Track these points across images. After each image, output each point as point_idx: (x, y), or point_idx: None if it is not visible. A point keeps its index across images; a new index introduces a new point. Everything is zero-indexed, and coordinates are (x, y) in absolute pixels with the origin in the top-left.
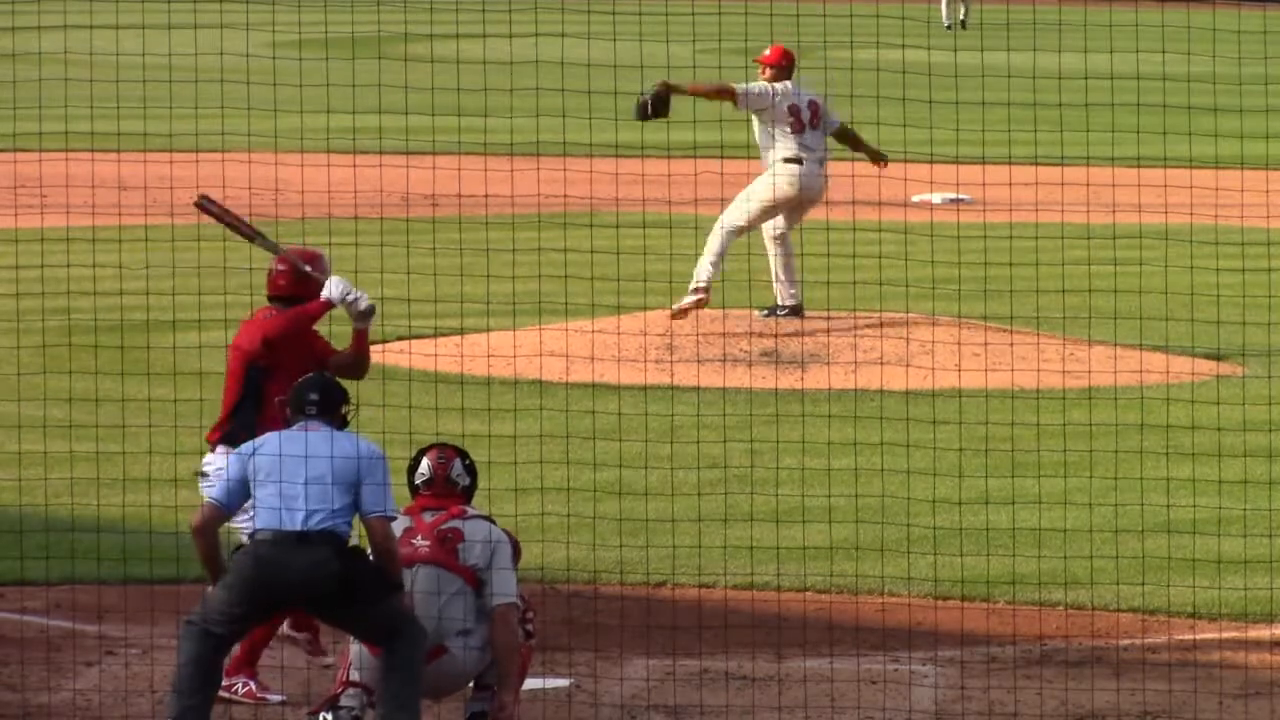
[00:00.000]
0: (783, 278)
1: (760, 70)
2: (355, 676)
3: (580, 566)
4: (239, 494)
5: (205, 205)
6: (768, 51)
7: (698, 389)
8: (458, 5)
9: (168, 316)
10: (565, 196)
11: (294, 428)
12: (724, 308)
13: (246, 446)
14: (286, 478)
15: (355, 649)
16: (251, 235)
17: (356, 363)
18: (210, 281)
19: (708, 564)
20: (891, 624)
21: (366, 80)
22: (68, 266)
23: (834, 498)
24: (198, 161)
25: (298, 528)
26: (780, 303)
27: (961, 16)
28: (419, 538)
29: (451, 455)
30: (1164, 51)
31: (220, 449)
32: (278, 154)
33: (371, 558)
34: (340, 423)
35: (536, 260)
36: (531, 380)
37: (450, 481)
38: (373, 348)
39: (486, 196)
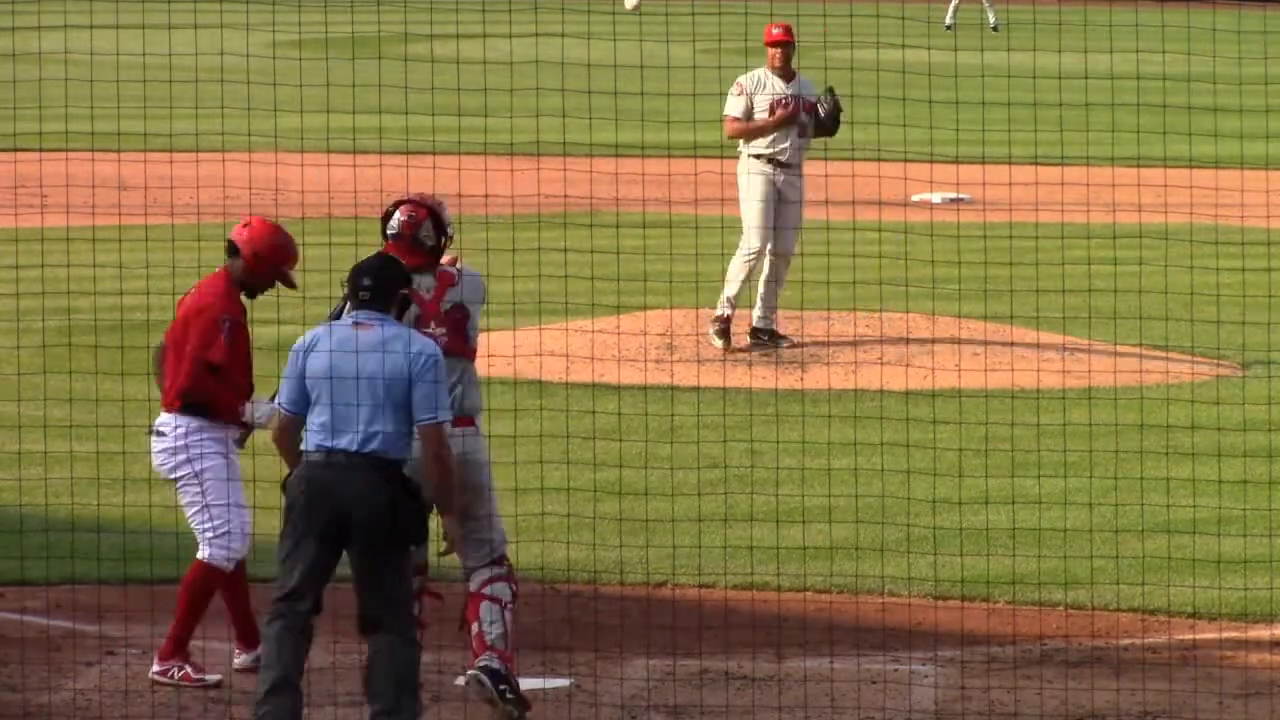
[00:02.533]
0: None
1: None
2: (490, 633)
3: (580, 566)
4: (304, 398)
5: None
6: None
7: (698, 389)
8: (458, 5)
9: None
10: (565, 196)
11: (345, 322)
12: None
13: (300, 350)
14: (336, 398)
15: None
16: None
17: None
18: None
19: (708, 564)
20: (891, 624)
21: (366, 80)
22: (68, 266)
23: (834, 498)
24: (198, 161)
25: (349, 448)
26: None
27: (992, 21)
28: (433, 325)
29: (422, 215)
30: (1164, 51)
31: (180, 415)
32: (278, 154)
33: (427, 475)
34: (399, 309)
35: (536, 260)
36: (531, 380)
37: (416, 240)
38: None
39: (486, 196)
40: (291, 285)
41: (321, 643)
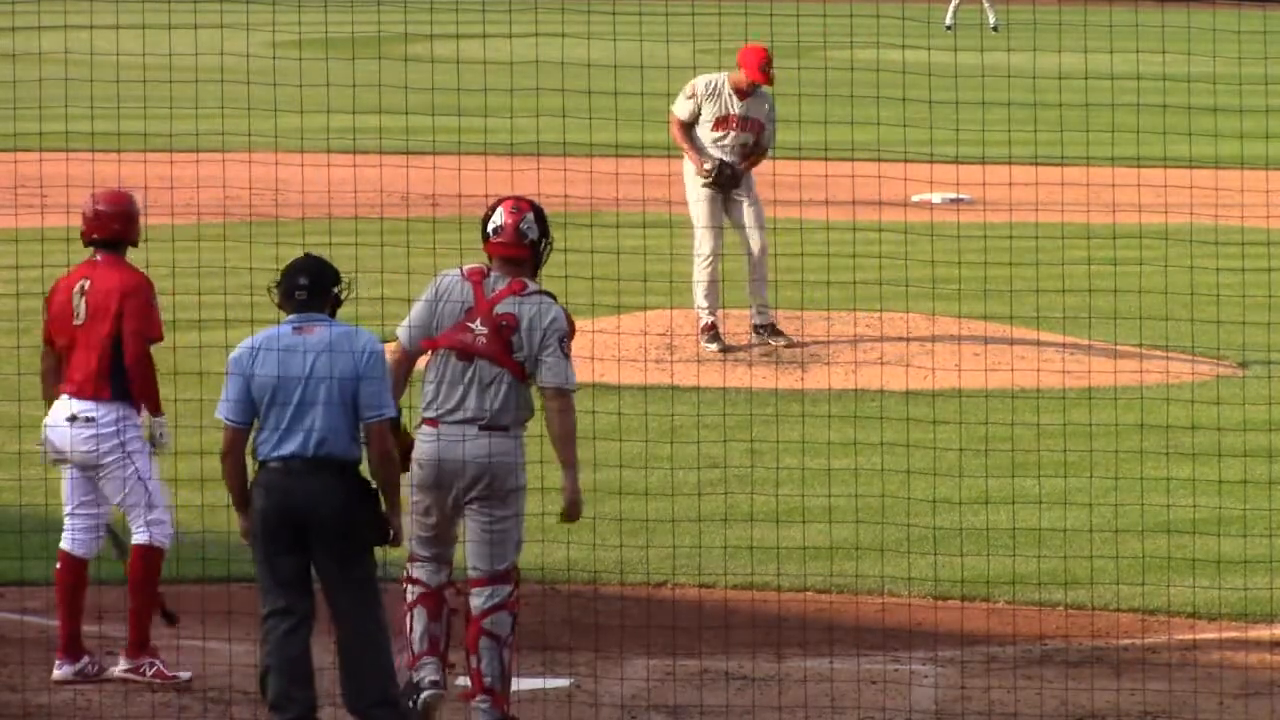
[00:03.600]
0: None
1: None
2: (422, 646)
3: (580, 566)
4: (249, 408)
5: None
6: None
7: (698, 389)
8: (458, 5)
9: (168, 316)
10: (565, 196)
11: (286, 325)
12: (724, 308)
13: (244, 359)
14: (283, 400)
15: (418, 624)
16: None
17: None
18: (210, 281)
19: (708, 564)
20: (891, 624)
21: (366, 80)
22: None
23: (834, 498)
24: (198, 161)
25: (303, 453)
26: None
27: (992, 21)
28: (478, 322)
29: (525, 207)
30: (1164, 51)
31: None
32: (278, 154)
33: (373, 471)
34: (333, 306)
35: None
36: None
37: (520, 233)
38: None
39: (486, 196)
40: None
41: (321, 643)
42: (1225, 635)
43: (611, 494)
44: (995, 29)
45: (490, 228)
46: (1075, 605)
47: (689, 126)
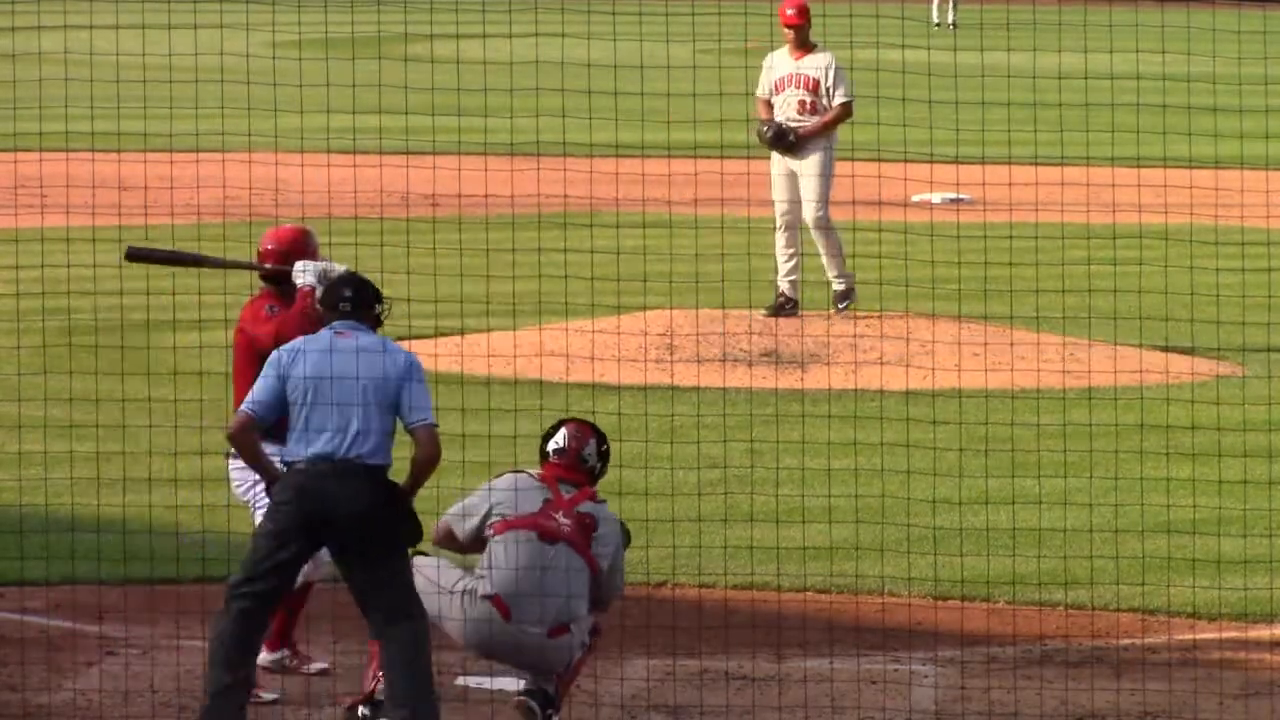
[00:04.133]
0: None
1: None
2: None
3: None
4: (275, 408)
5: (137, 254)
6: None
7: (698, 389)
8: (458, 5)
9: (168, 316)
10: (565, 196)
11: (326, 331)
12: (724, 308)
13: (285, 356)
14: (322, 400)
15: None
16: (198, 261)
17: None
18: (210, 281)
19: (708, 564)
20: (891, 624)
21: (366, 80)
22: (68, 266)
23: (834, 498)
24: (198, 161)
25: (334, 454)
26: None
27: (950, 19)
28: (560, 514)
29: (588, 433)
30: (1164, 51)
31: None
32: (278, 154)
33: (415, 470)
34: (374, 322)
35: (536, 260)
36: (531, 380)
37: (581, 458)
38: None
39: (486, 196)
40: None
41: (321, 643)
42: (1225, 635)
43: (611, 494)
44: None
45: (550, 447)
46: (1075, 605)
47: (768, 104)
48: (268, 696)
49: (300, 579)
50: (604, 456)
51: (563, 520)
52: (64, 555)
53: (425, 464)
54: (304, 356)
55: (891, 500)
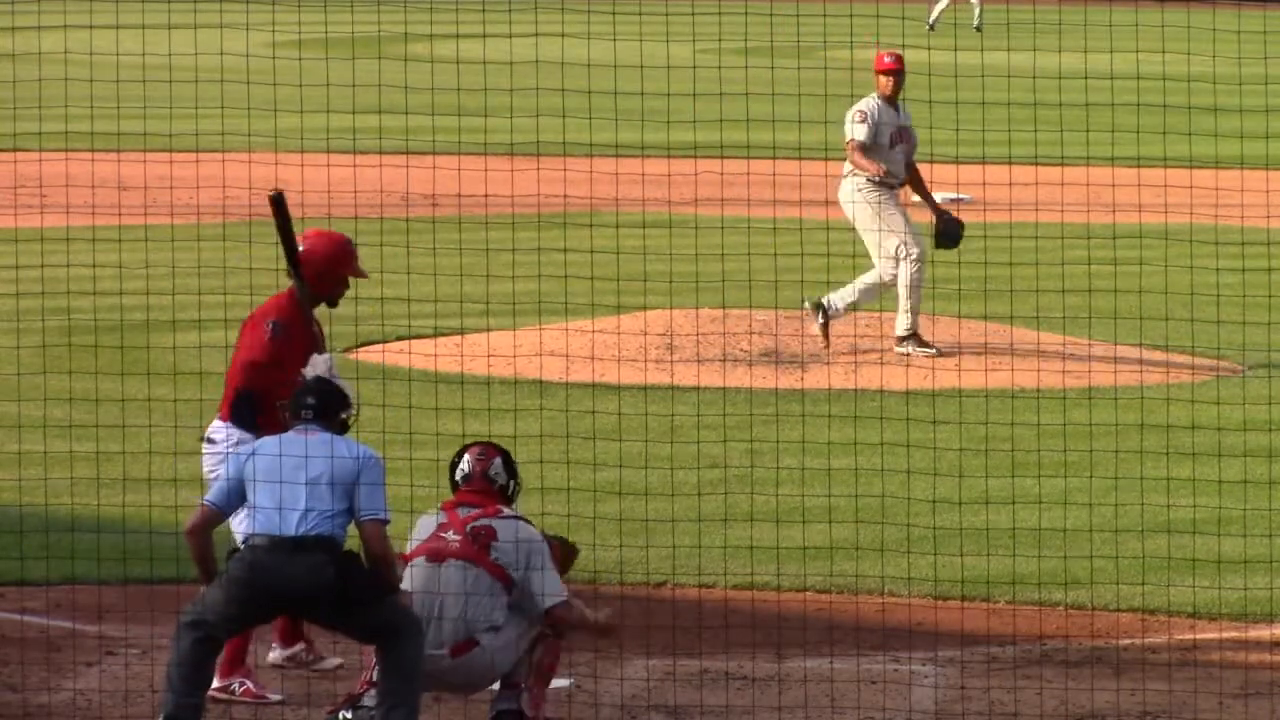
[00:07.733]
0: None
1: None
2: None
3: (580, 566)
4: (236, 495)
5: (279, 202)
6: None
7: (698, 389)
8: (458, 5)
9: (168, 316)
10: (565, 196)
11: (292, 431)
12: (724, 308)
13: (245, 448)
14: (283, 480)
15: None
16: (292, 261)
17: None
18: (210, 281)
19: (708, 564)
20: (891, 624)
21: (366, 80)
22: (68, 266)
23: (834, 498)
24: (198, 161)
25: (293, 533)
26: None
27: (975, 22)
28: (450, 532)
29: (492, 454)
30: (1164, 51)
31: (230, 424)
32: (278, 154)
33: (366, 563)
34: (339, 428)
35: (536, 260)
36: (531, 380)
37: (488, 478)
38: (374, 348)
39: (486, 196)
40: (360, 275)
41: (321, 643)
42: (1225, 635)
43: (611, 494)
44: (931, 27)
45: (457, 476)
46: (1075, 605)
47: (867, 148)
48: (274, 698)
49: None
50: (512, 472)
51: (451, 537)
52: (64, 555)
53: (375, 562)
54: (264, 447)
55: (891, 500)
